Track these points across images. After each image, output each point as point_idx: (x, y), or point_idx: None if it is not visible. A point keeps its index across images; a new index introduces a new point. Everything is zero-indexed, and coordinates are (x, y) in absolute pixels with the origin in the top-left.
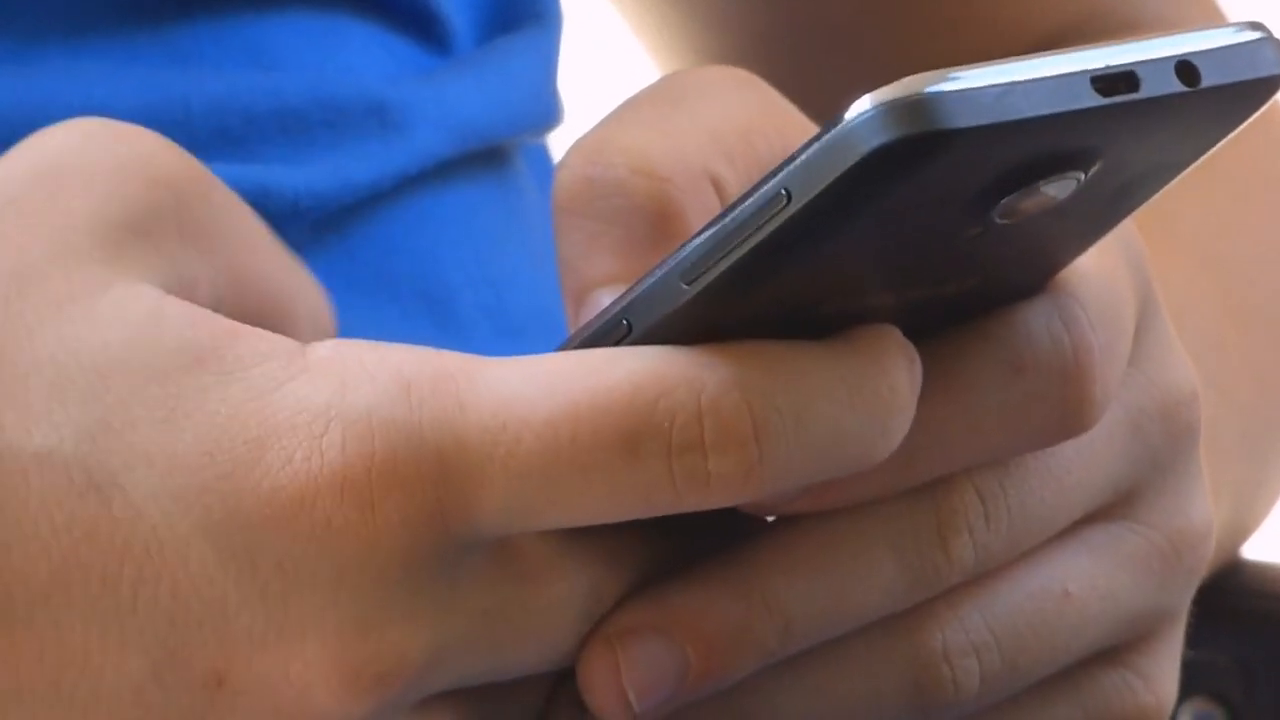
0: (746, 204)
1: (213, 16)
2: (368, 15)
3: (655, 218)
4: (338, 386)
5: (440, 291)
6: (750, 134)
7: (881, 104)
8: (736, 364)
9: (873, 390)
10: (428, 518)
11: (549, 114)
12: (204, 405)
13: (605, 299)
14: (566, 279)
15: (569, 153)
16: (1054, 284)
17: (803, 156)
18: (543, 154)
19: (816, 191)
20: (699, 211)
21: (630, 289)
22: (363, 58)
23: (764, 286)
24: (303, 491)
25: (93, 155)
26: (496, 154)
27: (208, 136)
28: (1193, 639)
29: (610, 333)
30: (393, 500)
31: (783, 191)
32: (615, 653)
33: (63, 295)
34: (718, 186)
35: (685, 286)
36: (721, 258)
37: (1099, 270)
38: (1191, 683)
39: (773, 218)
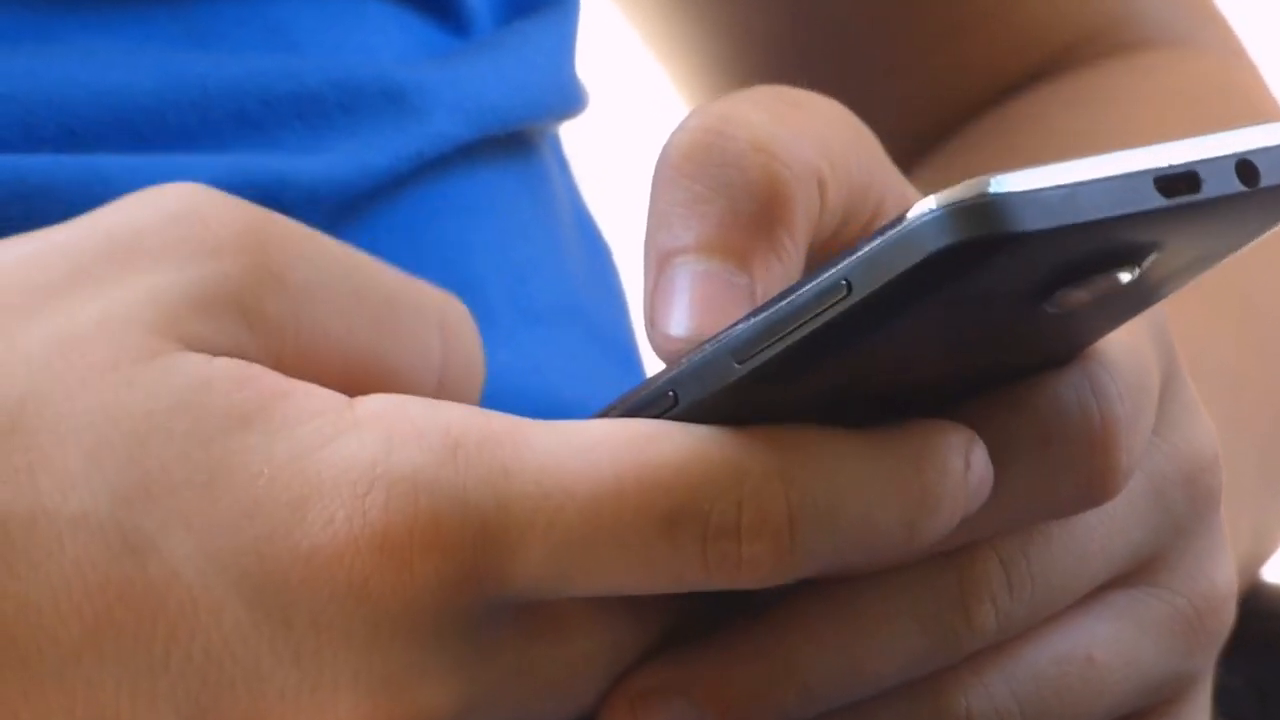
0: (805, 290)
1: None
2: None
3: (764, 198)
4: (384, 444)
5: (464, 278)
6: (848, 152)
7: (947, 205)
8: (779, 453)
9: (905, 487)
10: (464, 579)
11: (569, 99)
12: (247, 467)
13: (688, 269)
14: (656, 238)
15: (689, 115)
16: (1084, 354)
17: (865, 249)
18: (556, 143)
19: (878, 285)
20: (805, 204)
21: (677, 362)
22: (380, 37)
23: (814, 370)
24: (342, 551)
25: (168, 235)
26: (519, 140)
27: (225, 119)
28: None
29: (655, 403)
30: (431, 561)
31: (844, 282)
32: (636, 713)
33: (107, 362)
34: (822, 188)
35: (737, 365)
36: (776, 340)
37: (1127, 340)
38: None
39: (831, 306)
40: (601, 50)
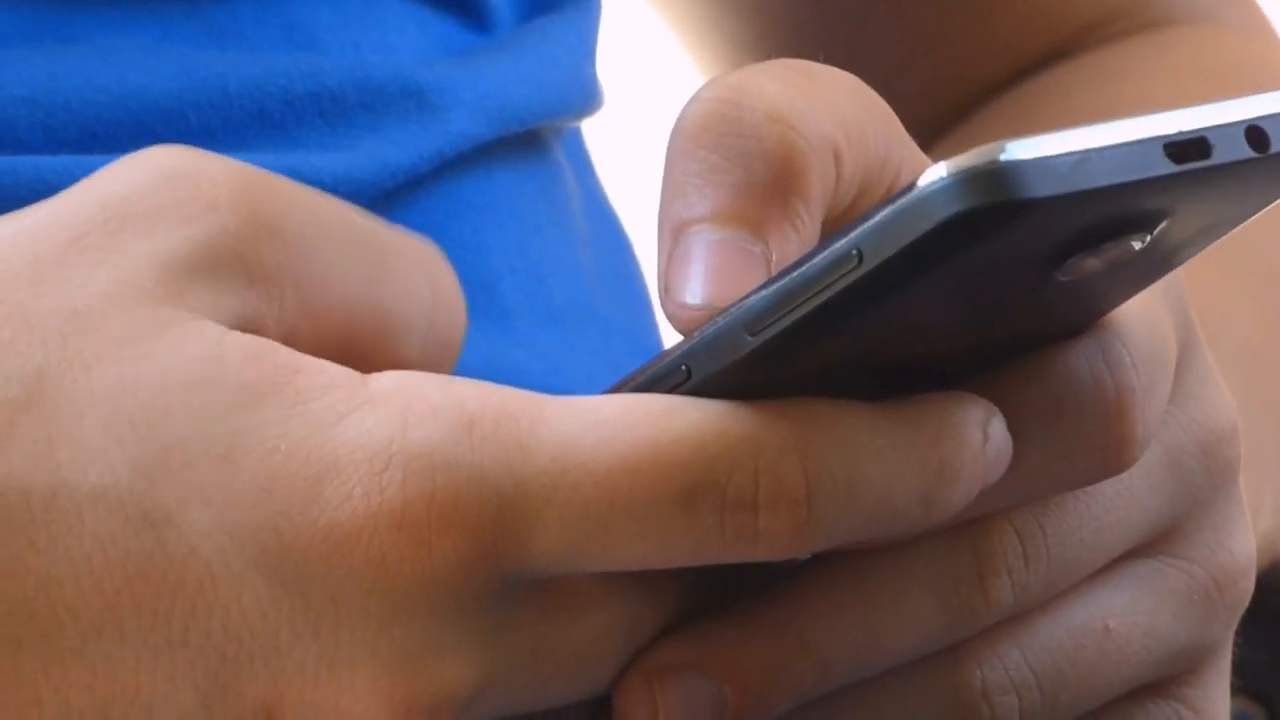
0: (816, 260)
1: None
2: None
3: (779, 167)
4: (400, 421)
5: (481, 279)
6: (864, 124)
7: (957, 172)
8: (796, 426)
9: (922, 461)
10: (482, 556)
11: (588, 98)
12: (264, 441)
13: (703, 237)
14: (671, 208)
15: (704, 87)
16: (1098, 324)
17: (875, 218)
18: (577, 139)
19: (889, 254)
20: (820, 175)
21: (690, 336)
22: (399, 35)
23: (827, 341)
24: (360, 528)
25: (162, 196)
26: (535, 138)
27: (245, 119)
28: None
29: (669, 377)
30: (450, 538)
31: (854, 252)
32: (653, 689)
33: (121, 334)
34: (837, 159)
35: (749, 338)
36: (788, 311)
37: (1142, 310)
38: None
39: (843, 276)
40: (622, 45)
